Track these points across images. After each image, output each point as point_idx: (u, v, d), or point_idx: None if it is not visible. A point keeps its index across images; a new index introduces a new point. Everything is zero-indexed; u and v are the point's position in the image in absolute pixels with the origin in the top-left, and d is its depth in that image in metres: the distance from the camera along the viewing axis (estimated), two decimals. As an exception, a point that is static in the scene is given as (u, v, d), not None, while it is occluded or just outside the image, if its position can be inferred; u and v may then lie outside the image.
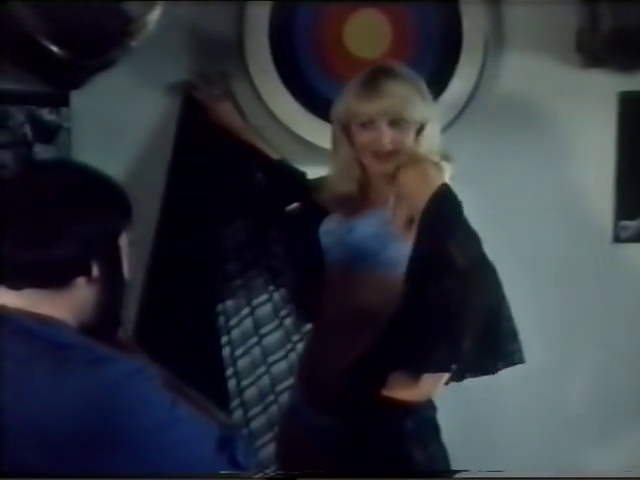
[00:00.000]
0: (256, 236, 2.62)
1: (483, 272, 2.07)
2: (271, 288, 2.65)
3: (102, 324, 1.50)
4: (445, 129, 2.76)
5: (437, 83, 2.77)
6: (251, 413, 2.64)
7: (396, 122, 2.23)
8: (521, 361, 2.10)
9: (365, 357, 2.10)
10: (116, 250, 1.49)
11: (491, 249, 2.80)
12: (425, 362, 2.07)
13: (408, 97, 2.23)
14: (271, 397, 2.65)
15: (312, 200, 2.47)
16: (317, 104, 2.74)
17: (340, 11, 2.79)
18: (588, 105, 2.92)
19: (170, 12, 2.48)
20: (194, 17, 2.70)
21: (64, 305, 1.45)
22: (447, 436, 2.23)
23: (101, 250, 1.46)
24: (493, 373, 2.10)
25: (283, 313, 2.65)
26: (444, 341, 2.03)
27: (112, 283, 1.49)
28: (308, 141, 2.79)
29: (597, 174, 2.96)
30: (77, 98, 2.61)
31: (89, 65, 2.48)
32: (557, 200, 2.97)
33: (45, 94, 2.60)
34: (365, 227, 2.26)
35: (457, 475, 2.25)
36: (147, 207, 2.54)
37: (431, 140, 2.28)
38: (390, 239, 2.20)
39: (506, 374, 2.11)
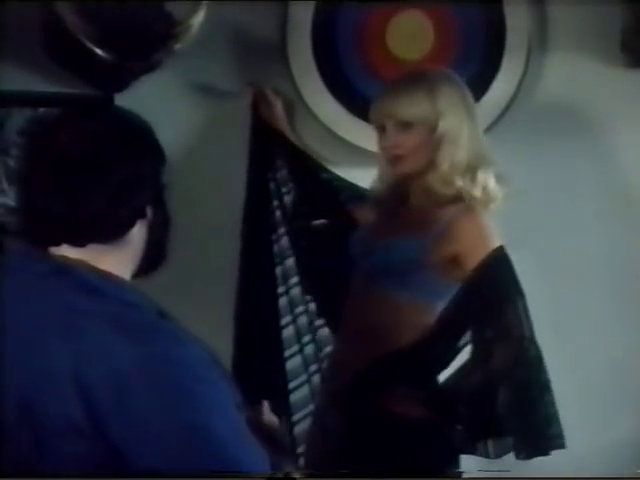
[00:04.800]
0: (292, 246, 2.65)
1: (531, 350, 2.11)
2: (307, 298, 2.65)
3: (150, 262, 1.53)
4: (487, 130, 2.75)
5: (480, 84, 2.76)
6: (294, 418, 2.63)
7: (401, 126, 2.24)
8: (562, 446, 2.10)
9: (371, 370, 2.18)
10: (162, 189, 1.52)
11: (537, 252, 2.84)
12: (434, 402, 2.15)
13: (408, 99, 2.24)
14: (311, 405, 2.62)
15: (344, 213, 2.50)
16: (359, 105, 2.73)
17: (383, 12, 2.78)
18: (633, 105, 2.89)
19: (214, 14, 2.48)
20: (237, 19, 2.71)
21: (122, 257, 1.47)
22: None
23: (152, 191, 1.49)
24: (543, 454, 2.11)
25: (318, 324, 2.65)
26: (472, 399, 2.11)
27: (162, 221, 1.52)
28: (350, 142, 2.79)
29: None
30: (121, 100, 2.62)
31: (133, 68, 2.49)
32: (601, 201, 2.94)
33: (89, 97, 2.61)
34: (402, 248, 2.24)
35: (463, 475, 2.27)
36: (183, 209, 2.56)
37: (453, 145, 2.24)
38: (422, 267, 2.20)
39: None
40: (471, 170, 2.24)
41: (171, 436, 1.34)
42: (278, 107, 2.68)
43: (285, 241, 2.67)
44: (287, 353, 2.65)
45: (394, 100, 2.26)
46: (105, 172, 1.42)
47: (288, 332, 2.65)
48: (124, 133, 1.48)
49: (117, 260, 1.47)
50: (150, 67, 2.50)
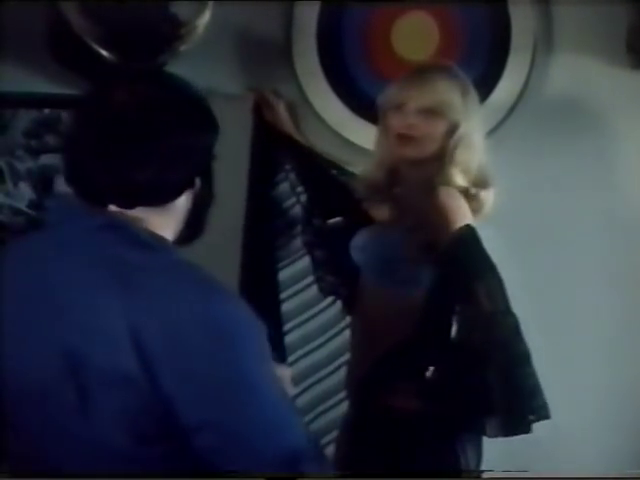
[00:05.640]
0: (305, 246, 2.64)
1: (507, 322, 2.09)
2: (329, 300, 2.63)
3: (189, 233, 1.54)
4: (493, 131, 2.75)
5: (485, 85, 2.75)
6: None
7: (426, 111, 2.23)
8: (546, 417, 2.08)
9: (374, 368, 2.20)
10: (211, 161, 1.53)
11: (537, 255, 2.83)
12: (427, 389, 2.14)
13: (443, 90, 2.24)
14: (320, 408, 2.62)
15: (360, 211, 2.48)
16: (364, 107, 2.73)
17: (388, 13, 2.78)
18: (639, 105, 2.88)
19: (219, 16, 2.48)
20: (243, 20, 2.71)
21: (165, 222, 1.48)
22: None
23: (203, 162, 1.50)
24: (525, 432, 2.08)
25: (342, 324, 2.63)
26: (452, 376, 2.10)
27: (207, 193, 1.53)
28: (355, 144, 2.78)
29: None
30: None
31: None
32: (606, 204, 2.92)
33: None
34: (383, 243, 2.26)
35: (483, 475, 2.27)
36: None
37: (468, 150, 2.24)
38: (404, 259, 2.21)
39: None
40: (478, 179, 2.25)
41: (222, 389, 1.36)
42: (281, 109, 2.68)
43: (299, 242, 2.66)
44: (290, 359, 2.64)
45: (428, 83, 2.25)
46: (160, 138, 1.43)
47: (291, 338, 2.65)
48: (181, 100, 1.49)
49: (160, 224, 1.47)
50: (154, 68, 2.50)
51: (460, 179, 2.23)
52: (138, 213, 1.45)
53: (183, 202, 1.49)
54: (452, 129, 2.24)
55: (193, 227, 1.54)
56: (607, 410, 2.89)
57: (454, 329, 2.13)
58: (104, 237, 1.42)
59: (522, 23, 2.78)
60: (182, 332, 1.35)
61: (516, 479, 2.36)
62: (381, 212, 2.43)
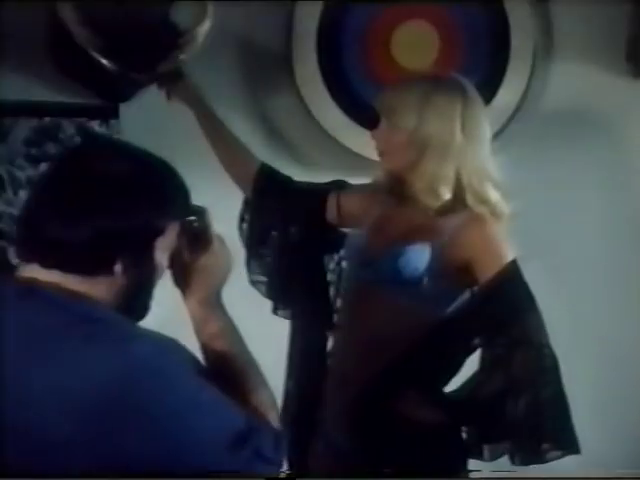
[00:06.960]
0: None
1: (550, 358, 2.12)
2: None
3: (126, 314, 1.47)
4: (492, 139, 2.74)
5: (485, 93, 2.72)
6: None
7: (390, 122, 2.20)
8: (576, 452, 2.13)
9: (381, 377, 2.17)
10: (149, 250, 1.45)
11: (538, 260, 2.83)
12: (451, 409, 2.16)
13: (400, 103, 2.19)
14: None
15: (319, 221, 2.45)
16: (363, 115, 2.74)
17: (388, 21, 2.79)
18: (638, 116, 2.89)
19: (219, 25, 2.49)
20: (242, 28, 2.72)
21: (94, 286, 1.43)
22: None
23: (130, 249, 1.43)
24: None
25: None
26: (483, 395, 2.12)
27: (136, 283, 1.47)
28: (354, 151, 2.79)
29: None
30: (126, 110, 2.64)
31: (139, 78, 2.50)
32: (607, 210, 2.93)
33: (95, 106, 2.63)
34: (410, 257, 2.18)
35: (471, 475, 2.27)
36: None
37: (437, 158, 2.15)
38: (432, 276, 2.17)
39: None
40: (467, 185, 2.17)
41: (159, 424, 1.36)
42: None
43: None
44: None
45: (388, 98, 2.23)
46: (106, 212, 1.40)
47: None
48: (129, 182, 1.44)
49: (87, 287, 1.43)
50: (155, 77, 2.51)
51: (445, 192, 2.16)
52: (61, 275, 1.42)
53: (106, 281, 1.44)
54: (413, 137, 2.17)
55: (130, 308, 1.49)
56: (604, 410, 2.91)
57: (482, 354, 2.15)
58: (19, 306, 1.41)
59: (522, 31, 2.80)
60: (104, 391, 1.34)
61: (510, 479, 2.37)
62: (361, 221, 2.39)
